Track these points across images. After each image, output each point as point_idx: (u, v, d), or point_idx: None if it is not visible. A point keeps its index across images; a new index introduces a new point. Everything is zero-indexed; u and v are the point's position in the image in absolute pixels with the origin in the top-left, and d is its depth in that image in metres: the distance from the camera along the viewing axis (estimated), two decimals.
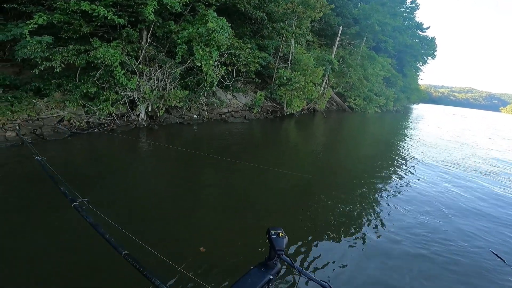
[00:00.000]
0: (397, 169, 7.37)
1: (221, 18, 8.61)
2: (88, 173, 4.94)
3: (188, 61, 8.95)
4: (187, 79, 9.64)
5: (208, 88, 9.18)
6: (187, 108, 10.91)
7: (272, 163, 6.48)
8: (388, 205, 4.89)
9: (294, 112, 14.58)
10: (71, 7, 7.17)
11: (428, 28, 35.54)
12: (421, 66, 42.10)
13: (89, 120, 8.22)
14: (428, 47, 38.58)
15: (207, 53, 8.34)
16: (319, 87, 17.14)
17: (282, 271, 2.34)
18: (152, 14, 7.60)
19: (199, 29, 8.09)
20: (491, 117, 54.06)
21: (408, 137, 13.46)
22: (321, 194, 4.99)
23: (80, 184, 4.38)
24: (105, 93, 8.39)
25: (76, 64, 7.70)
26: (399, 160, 8.52)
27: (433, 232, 4.08)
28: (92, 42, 7.92)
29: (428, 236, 3.94)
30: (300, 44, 15.15)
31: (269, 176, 5.56)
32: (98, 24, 7.95)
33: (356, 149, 10.49)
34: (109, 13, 7.47)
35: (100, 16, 7.44)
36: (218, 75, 9.17)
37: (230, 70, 11.03)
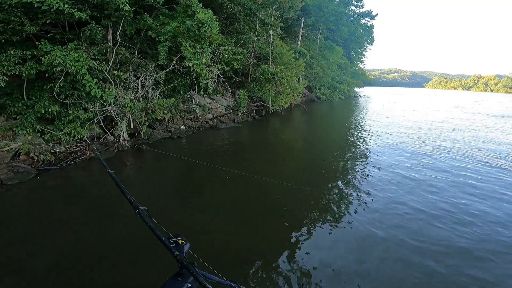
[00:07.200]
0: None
1: (207, 9, 7.32)
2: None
3: (173, 62, 7.47)
4: (172, 84, 8.11)
5: (202, 92, 7.83)
6: (169, 119, 9.32)
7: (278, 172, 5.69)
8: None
9: (278, 109, 13.95)
10: (8, 1, 5.15)
11: (376, 15, 37.20)
12: (363, 52, 45.86)
13: (54, 150, 6.21)
14: (368, 34, 42.01)
15: (198, 51, 7.01)
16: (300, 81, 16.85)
17: None
18: (127, 4, 5.98)
19: (186, 22, 6.69)
20: (432, 93, 60.99)
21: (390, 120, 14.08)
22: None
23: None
24: (70, 112, 6.44)
25: (23, 75, 5.65)
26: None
27: None
28: (40, 46, 5.92)
29: None
30: (272, 38, 14.48)
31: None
32: (47, 21, 5.96)
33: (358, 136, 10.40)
34: (65, 6, 5.59)
35: (52, 10, 5.53)
36: (213, 76, 7.89)
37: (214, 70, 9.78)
